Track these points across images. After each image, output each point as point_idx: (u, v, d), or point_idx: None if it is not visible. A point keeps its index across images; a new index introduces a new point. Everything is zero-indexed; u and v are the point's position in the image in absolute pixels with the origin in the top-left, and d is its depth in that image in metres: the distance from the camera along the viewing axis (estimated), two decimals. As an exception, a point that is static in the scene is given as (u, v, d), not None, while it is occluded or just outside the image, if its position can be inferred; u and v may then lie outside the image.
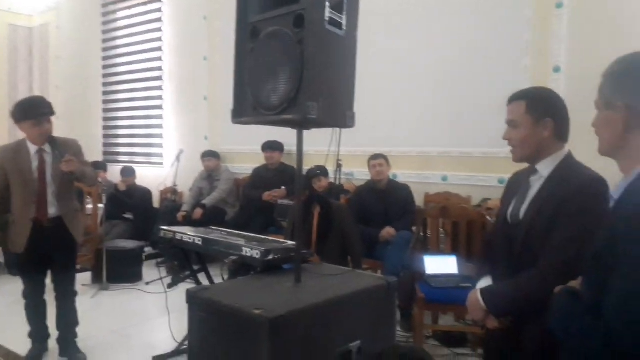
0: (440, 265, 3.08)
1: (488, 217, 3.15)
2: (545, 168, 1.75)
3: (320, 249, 3.32)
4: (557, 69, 3.68)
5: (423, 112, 4.32)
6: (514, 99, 1.82)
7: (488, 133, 3.97)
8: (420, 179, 4.37)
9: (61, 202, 2.95)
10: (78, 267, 4.43)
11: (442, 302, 2.88)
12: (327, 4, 1.94)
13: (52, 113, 2.93)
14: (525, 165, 1.87)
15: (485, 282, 1.88)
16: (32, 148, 2.91)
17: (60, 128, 3.06)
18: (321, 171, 4.16)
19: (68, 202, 3.00)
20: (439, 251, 3.35)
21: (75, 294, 3.12)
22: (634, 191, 1.09)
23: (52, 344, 3.11)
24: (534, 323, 1.59)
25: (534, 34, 3.78)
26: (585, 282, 1.19)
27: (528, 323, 1.65)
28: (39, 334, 3.07)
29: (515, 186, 1.89)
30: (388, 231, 3.84)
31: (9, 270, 4.99)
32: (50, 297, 3.08)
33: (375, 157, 4.10)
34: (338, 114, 2.06)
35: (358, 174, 4.64)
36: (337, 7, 2.00)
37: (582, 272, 1.23)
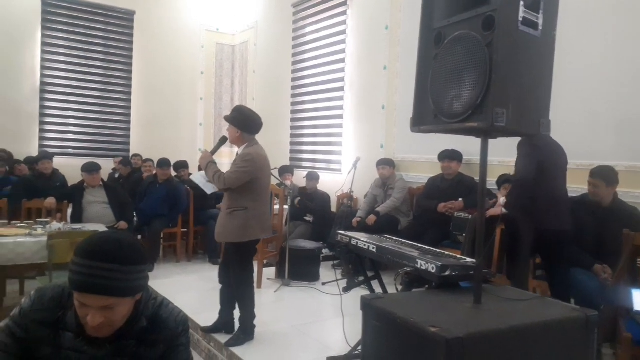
0: (655, 301, 2.60)
1: None
2: None
3: (511, 272, 3.07)
4: None
5: (630, 121, 3.68)
6: None
7: None
8: (626, 197, 3.53)
9: (224, 199, 3.34)
10: (265, 262, 4.88)
11: (655, 345, 2.41)
12: (522, 3, 1.79)
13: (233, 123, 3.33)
14: None
15: None
16: None
17: (256, 136, 3.40)
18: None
19: (227, 201, 3.30)
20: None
21: (236, 285, 3.29)
22: None
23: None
24: None
25: None
26: None
27: None
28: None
29: None
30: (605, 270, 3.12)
31: (210, 259, 5.76)
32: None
33: (593, 174, 3.23)
34: (530, 121, 1.88)
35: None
36: (533, 6, 1.84)
37: None
